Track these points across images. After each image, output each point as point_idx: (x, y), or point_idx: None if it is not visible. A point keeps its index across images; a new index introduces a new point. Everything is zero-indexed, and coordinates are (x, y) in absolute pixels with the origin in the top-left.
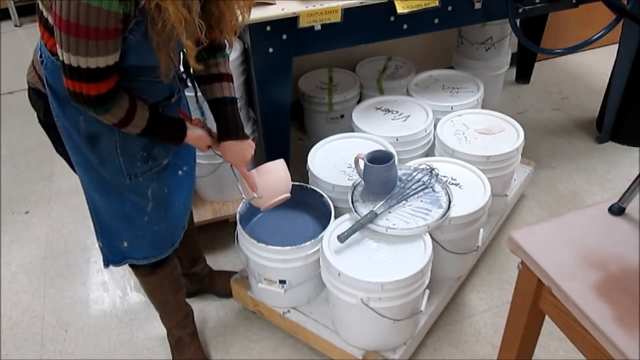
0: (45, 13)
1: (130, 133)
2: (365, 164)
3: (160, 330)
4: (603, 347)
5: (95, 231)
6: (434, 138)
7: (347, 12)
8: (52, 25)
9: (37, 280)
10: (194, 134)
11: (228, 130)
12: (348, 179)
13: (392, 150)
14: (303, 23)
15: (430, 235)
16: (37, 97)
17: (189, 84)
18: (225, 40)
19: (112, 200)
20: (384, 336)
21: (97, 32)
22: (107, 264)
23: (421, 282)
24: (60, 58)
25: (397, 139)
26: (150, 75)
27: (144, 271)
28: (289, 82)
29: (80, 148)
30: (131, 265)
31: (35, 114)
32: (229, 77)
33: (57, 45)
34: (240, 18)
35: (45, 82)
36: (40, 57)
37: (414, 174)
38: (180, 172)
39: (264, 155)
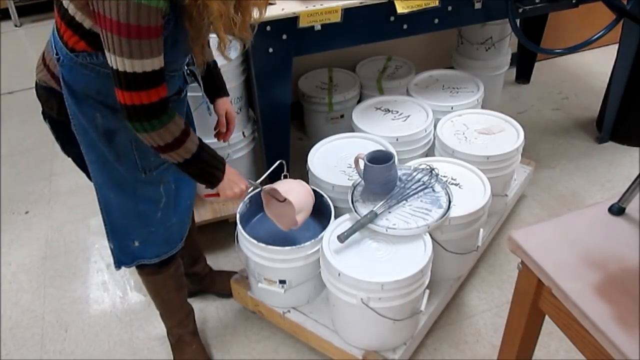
0: (71, 10)
1: (170, 159)
2: (365, 164)
3: (160, 330)
4: (603, 347)
5: (107, 232)
6: (434, 138)
7: (347, 12)
8: (78, 23)
9: (37, 280)
10: (232, 171)
11: (217, 88)
12: (348, 179)
13: (392, 150)
14: (303, 23)
15: (430, 235)
16: (49, 96)
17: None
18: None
19: (126, 197)
20: (384, 336)
21: (149, 31)
22: (118, 265)
23: (421, 282)
24: (114, 67)
25: (397, 139)
26: (167, 69)
27: (150, 270)
28: (289, 82)
29: (97, 145)
30: (139, 269)
31: (35, 114)
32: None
33: (109, 52)
34: (257, 15)
35: (61, 79)
36: (57, 54)
37: (414, 174)
38: None
39: (264, 155)
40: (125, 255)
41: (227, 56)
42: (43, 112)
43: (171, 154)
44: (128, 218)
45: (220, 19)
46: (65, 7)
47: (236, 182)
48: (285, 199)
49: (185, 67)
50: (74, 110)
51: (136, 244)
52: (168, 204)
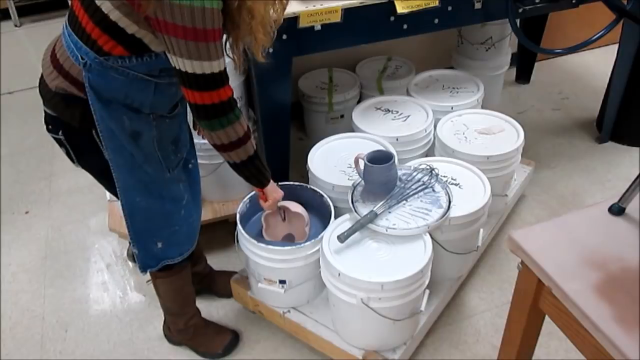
0: (114, 16)
1: (228, 159)
2: (365, 164)
3: (160, 330)
4: (603, 347)
5: (131, 238)
6: (434, 138)
7: (347, 12)
8: (119, 29)
9: (37, 280)
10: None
11: None
12: (348, 179)
13: (392, 150)
14: (303, 23)
15: (430, 235)
16: (70, 103)
17: None
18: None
19: (153, 199)
20: (384, 336)
21: (216, 33)
22: (144, 269)
23: (421, 282)
24: (183, 69)
25: (397, 139)
26: None
27: (171, 271)
28: (289, 82)
29: (125, 148)
30: (158, 271)
31: (35, 114)
32: None
33: (177, 57)
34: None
35: (87, 84)
36: (82, 58)
37: (414, 174)
38: (190, 165)
39: (264, 155)
40: (150, 258)
41: (262, 57)
42: (52, 125)
43: (231, 153)
44: (153, 220)
45: (262, 22)
46: (105, 12)
47: (275, 187)
48: (288, 215)
49: None
50: (101, 114)
51: (159, 245)
52: (188, 199)
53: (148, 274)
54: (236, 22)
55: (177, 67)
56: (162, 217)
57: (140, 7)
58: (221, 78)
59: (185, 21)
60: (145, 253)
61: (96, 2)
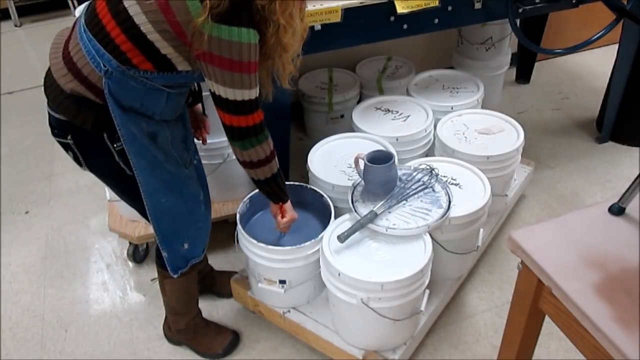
0: (152, 37)
1: (254, 176)
2: (365, 164)
3: (160, 330)
4: (603, 347)
5: (159, 242)
6: (434, 138)
7: (347, 12)
8: (155, 49)
9: (37, 280)
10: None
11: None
12: (348, 179)
13: (392, 150)
14: None
15: (430, 235)
16: (83, 107)
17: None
18: None
19: (175, 198)
20: (384, 336)
21: (255, 65)
22: (175, 271)
23: (421, 282)
24: (222, 95)
25: (397, 139)
26: (188, 85)
27: (185, 271)
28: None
29: (147, 149)
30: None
31: (34, 114)
32: None
33: (218, 84)
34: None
35: (107, 90)
36: (104, 66)
37: (414, 174)
38: (195, 162)
39: None
40: (179, 260)
41: (288, 85)
42: (59, 129)
43: (257, 170)
44: (178, 220)
45: (292, 55)
46: (144, 32)
47: (291, 207)
48: None
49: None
50: (122, 119)
51: (185, 246)
52: (204, 195)
53: (153, 272)
54: (269, 55)
55: (217, 94)
56: (187, 215)
57: (192, 46)
58: (256, 104)
59: (233, 55)
60: (174, 255)
61: (134, 20)
